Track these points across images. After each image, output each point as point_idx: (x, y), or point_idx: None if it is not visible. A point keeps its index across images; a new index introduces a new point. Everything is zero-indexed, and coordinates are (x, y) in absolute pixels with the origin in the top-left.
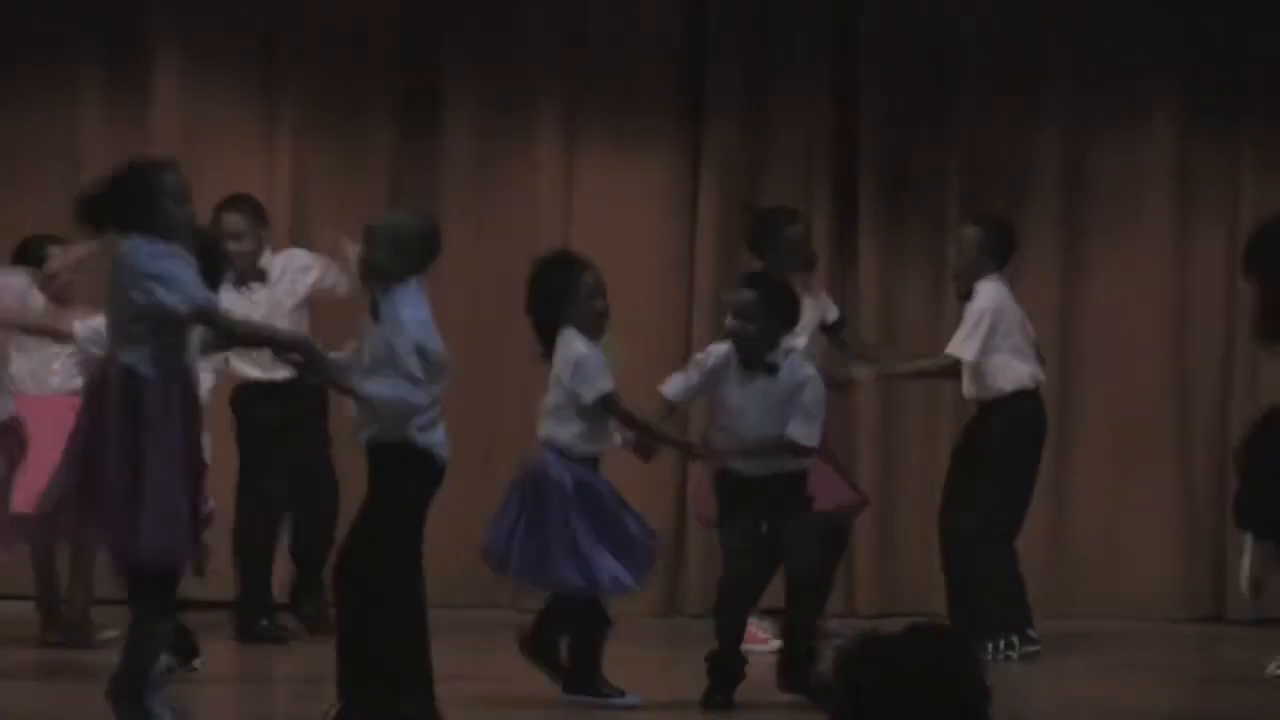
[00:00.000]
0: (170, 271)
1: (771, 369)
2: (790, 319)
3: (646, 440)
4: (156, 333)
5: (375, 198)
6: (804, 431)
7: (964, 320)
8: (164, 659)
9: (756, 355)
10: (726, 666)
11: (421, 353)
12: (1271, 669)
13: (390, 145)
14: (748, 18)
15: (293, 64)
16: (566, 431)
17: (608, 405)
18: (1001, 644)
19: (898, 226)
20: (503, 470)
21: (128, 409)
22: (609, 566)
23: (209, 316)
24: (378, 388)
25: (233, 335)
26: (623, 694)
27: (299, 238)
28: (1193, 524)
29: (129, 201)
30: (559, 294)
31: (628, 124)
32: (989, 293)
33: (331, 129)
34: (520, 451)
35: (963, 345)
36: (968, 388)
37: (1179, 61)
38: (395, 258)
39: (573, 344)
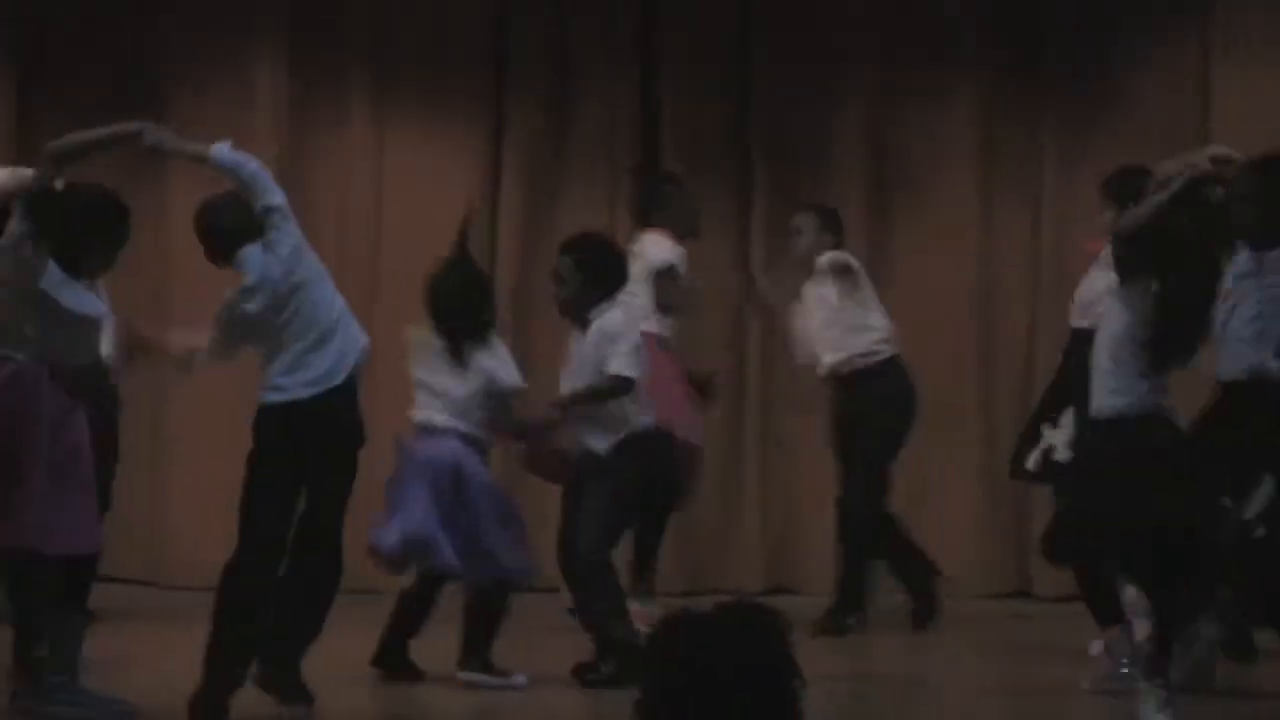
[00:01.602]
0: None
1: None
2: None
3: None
4: None
5: (184, 173)
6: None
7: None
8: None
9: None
10: None
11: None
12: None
13: (199, 123)
14: None
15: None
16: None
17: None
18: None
19: (700, 201)
20: None
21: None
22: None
23: None
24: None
25: None
26: (508, 674)
27: None
28: (999, 501)
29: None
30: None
31: (434, 102)
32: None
33: (137, 101)
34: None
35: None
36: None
37: (981, 36)
38: (237, 224)
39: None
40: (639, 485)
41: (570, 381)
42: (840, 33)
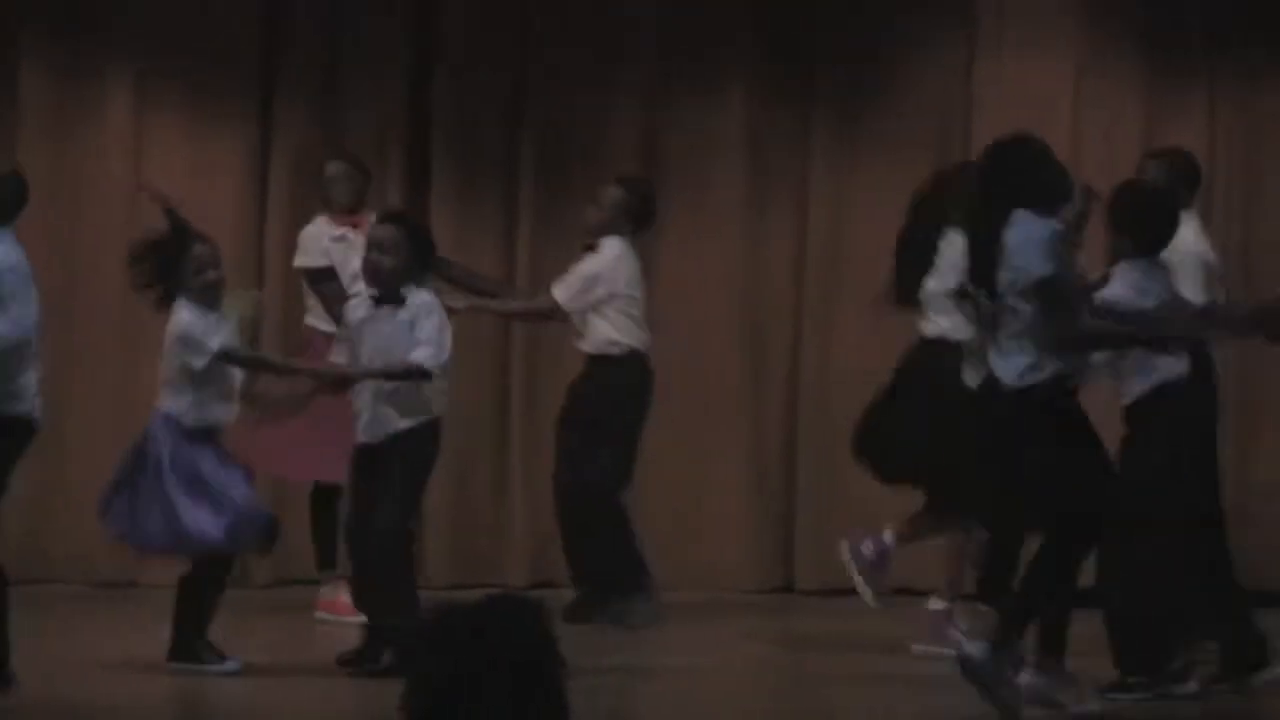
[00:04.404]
0: None
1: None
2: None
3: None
4: None
5: None
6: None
7: (574, 270)
8: None
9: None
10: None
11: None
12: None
13: None
14: None
15: None
16: (178, 402)
17: (228, 358)
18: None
19: (471, 198)
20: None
21: None
22: (197, 519)
23: None
24: None
25: None
26: (224, 659)
27: None
28: (765, 497)
29: None
30: (170, 269)
31: (200, 95)
32: (609, 249)
33: None
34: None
35: (564, 290)
36: (581, 341)
37: (752, 29)
38: None
39: (181, 315)
40: (431, 471)
41: (367, 353)
42: (616, 27)
